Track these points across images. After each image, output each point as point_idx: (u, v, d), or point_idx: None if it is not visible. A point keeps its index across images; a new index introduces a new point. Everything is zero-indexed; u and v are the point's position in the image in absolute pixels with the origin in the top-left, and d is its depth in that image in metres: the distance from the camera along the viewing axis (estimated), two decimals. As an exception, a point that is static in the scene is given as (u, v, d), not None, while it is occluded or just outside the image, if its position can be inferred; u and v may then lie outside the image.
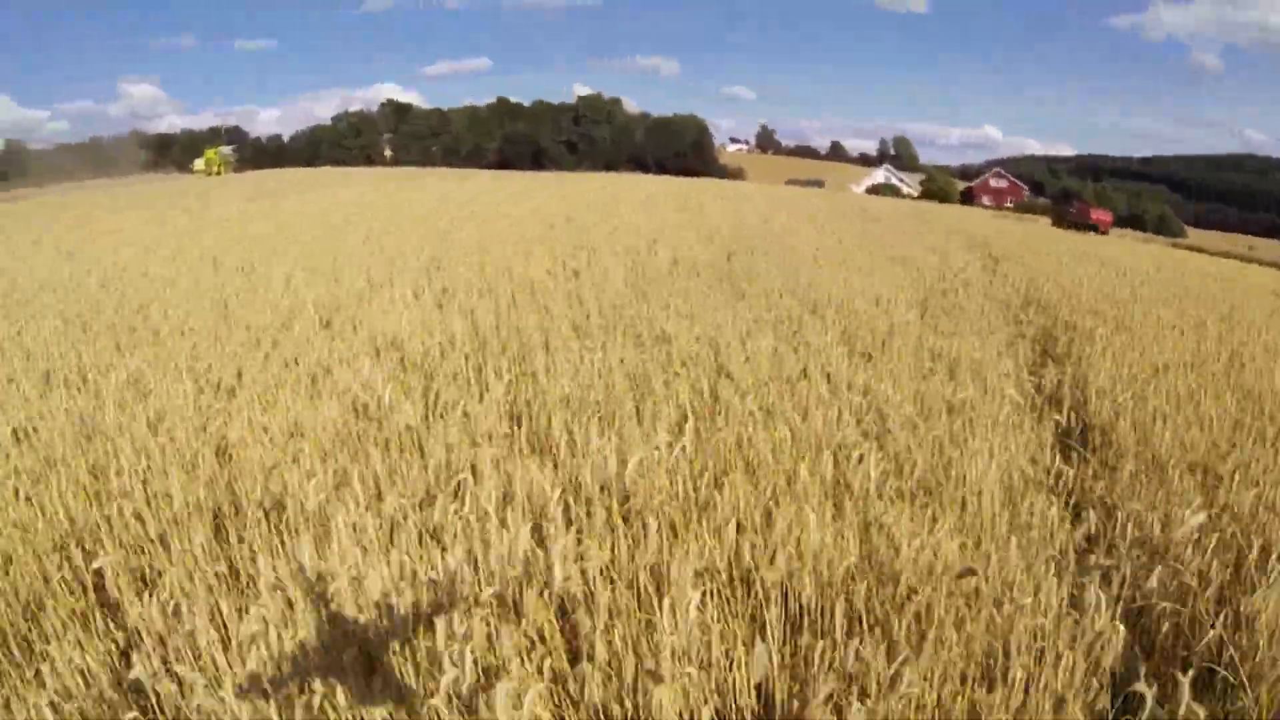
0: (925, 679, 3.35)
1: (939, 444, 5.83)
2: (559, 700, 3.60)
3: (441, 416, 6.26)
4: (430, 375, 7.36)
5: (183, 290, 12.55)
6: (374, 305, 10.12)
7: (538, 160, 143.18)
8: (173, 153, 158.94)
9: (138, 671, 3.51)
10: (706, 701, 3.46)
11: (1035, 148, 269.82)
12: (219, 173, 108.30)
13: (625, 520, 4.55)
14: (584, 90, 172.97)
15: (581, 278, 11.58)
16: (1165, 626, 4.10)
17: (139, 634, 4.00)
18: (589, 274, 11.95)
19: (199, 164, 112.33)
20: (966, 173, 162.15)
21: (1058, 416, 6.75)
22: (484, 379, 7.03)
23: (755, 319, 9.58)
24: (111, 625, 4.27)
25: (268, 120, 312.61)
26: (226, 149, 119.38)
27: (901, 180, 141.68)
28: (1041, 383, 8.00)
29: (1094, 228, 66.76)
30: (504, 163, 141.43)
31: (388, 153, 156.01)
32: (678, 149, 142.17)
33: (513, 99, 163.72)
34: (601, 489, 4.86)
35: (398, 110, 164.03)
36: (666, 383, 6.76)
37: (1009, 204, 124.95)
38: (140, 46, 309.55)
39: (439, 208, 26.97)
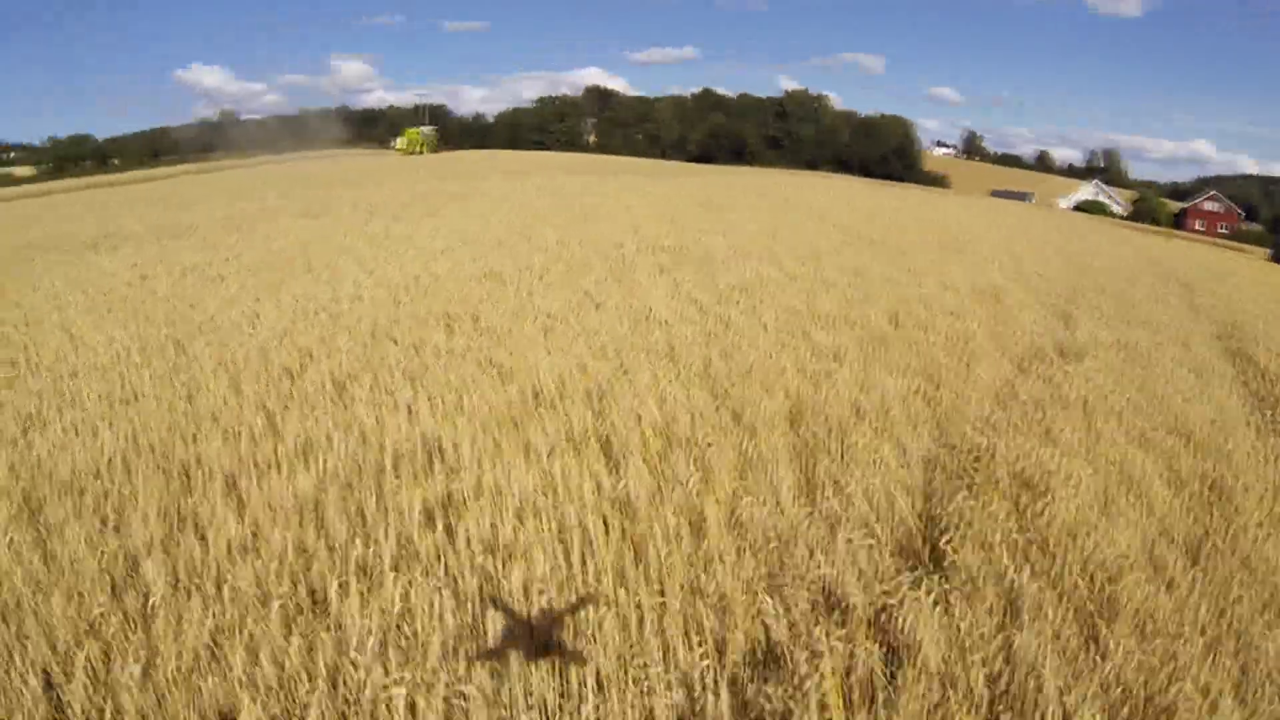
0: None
1: None
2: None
3: None
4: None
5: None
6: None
7: (740, 155, 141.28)
8: (378, 129, 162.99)
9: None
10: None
11: (1250, 166, 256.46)
12: (420, 151, 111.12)
13: None
14: (790, 84, 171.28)
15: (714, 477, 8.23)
16: None
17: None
18: (732, 449, 8.66)
19: (400, 142, 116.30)
20: (1177, 191, 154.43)
21: None
22: None
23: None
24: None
25: (474, 99, 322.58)
26: (428, 129, 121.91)
27: (1111, 198, 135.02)
28: None
29: (1320, 267, 61.36)
30: (706, 156, 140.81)
31: (591, 138, 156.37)
32: (882, 151, 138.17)
33: (718, 90, 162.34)
34: None
35: (602, 96, 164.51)
36: None
37: (1221, 229, 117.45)
38: (353, 24, 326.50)
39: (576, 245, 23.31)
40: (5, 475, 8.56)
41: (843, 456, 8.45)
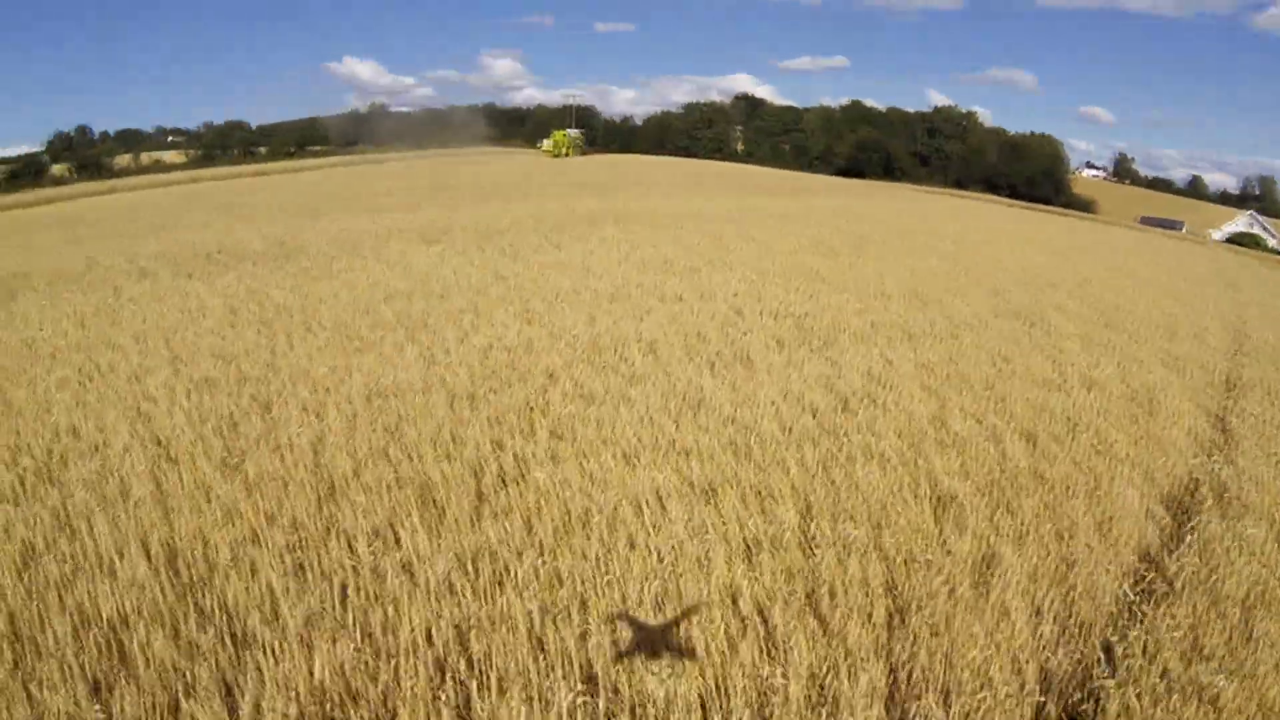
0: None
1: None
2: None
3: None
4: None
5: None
6: None
7: (888, 170, 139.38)
8: (525, 128, 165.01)
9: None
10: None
11: None
12: (566, 154, 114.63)
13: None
14: (939, 99, 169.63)
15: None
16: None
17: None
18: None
19: (546, 144, 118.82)
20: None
21: None
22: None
23: None
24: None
25: (623, 100, 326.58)
26: (574, 132, 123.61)
27: (1266, 229, 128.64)
28: None
29: None
30: (853, 169, 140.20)
31: (738, 146, 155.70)
32: (1030, 173, 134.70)
33: (866, 102, 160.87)
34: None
35: (750, 104, 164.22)
36: None
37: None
38: (503, 23, 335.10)
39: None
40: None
41: (944, 691, 7.05)
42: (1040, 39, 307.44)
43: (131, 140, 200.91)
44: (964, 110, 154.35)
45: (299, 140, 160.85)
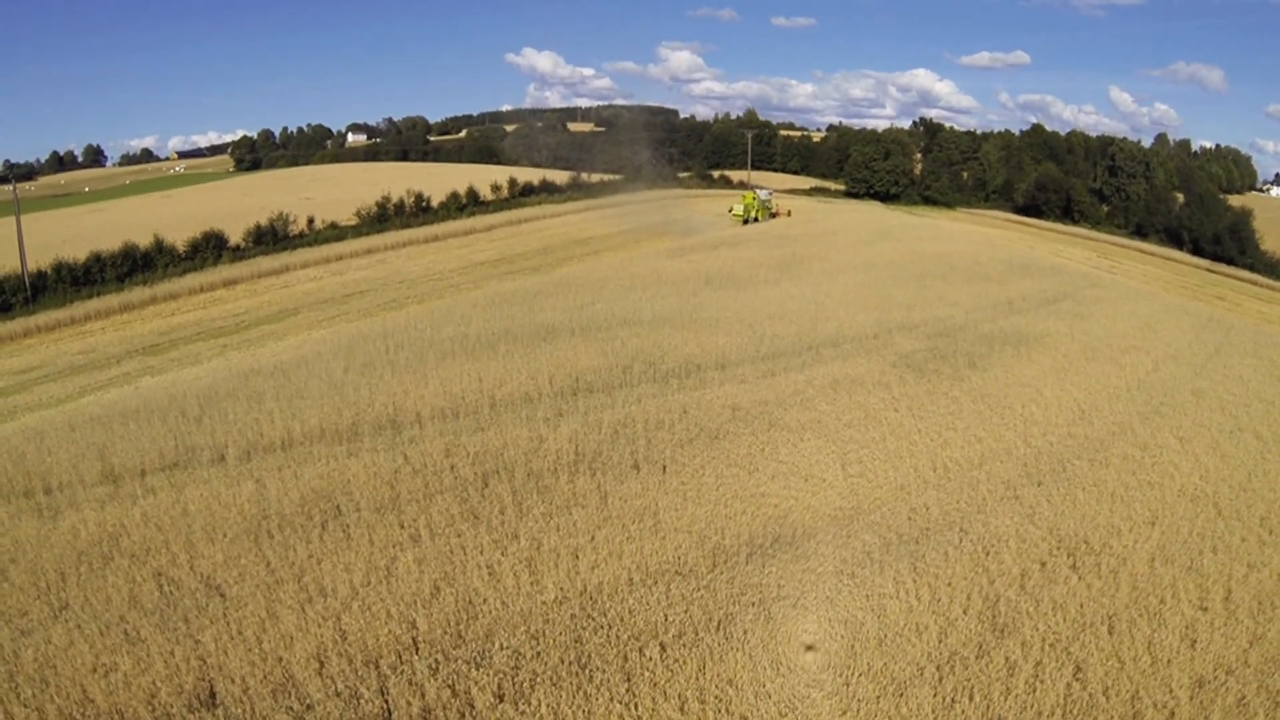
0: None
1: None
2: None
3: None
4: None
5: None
6: None
7: (1067, 210, 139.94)
8: (700, 151, 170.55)
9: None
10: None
11: None
12: (757, 218, 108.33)
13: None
14: (1121, 96, 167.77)
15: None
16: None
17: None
18: None
19: (736, 209, 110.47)
20: None
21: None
22: None
23: None
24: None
25: (802, 94, 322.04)
26: (763, 193, 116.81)
27: None
28: None
29: None
30: (1032, 208, 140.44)
31: (917, 171, 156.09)
32: (1215, 229, 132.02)
33: (1047, 126, 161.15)
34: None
35: (929, 130, 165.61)
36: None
37: None
38: (681, 15, 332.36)
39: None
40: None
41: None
42: (1228, 32, 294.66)
43: (315, 141, 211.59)
44: (1149, 146, 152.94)
45: (476, 150, 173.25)
